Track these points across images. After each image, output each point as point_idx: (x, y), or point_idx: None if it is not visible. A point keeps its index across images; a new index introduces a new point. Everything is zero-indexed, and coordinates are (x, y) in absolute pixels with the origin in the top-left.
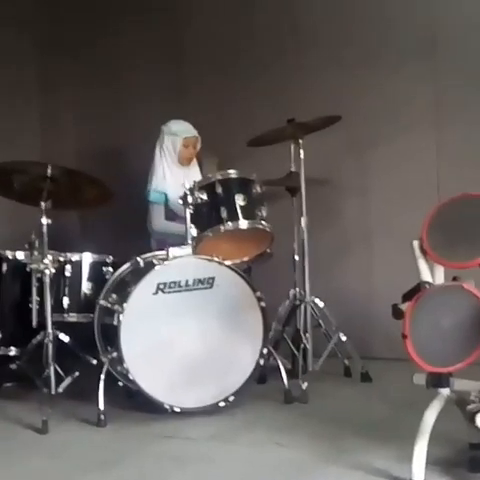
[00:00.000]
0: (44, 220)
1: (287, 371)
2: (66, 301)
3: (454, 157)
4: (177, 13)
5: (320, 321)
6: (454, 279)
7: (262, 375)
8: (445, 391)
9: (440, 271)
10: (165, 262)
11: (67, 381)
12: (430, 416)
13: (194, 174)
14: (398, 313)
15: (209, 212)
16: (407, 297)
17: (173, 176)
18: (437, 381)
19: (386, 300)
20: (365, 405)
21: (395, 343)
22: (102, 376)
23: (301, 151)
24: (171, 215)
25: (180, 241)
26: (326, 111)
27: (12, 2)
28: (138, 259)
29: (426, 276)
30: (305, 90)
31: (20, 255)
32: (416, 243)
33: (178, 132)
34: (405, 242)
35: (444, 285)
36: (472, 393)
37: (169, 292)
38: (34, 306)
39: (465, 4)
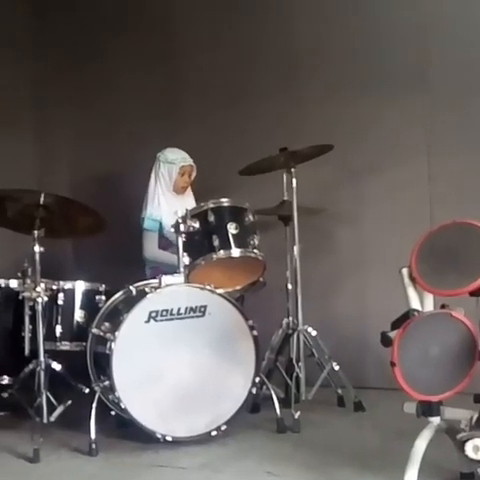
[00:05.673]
0: (37, 248)
1: (280, 400)
2: (59, 329)
3: (446, 187)
4: (174, 43)
5: (313, 350)
6: (443, 307)
7: (255, 404)
8: (435, 420)
9: (429, 299)
10: (157, 290)
11: (59, 410)
12: (420, 445)
13: (189, 202)
14: (387, 341)
15: (201, 240)
16: (396, 325)
17: (168, 204)
18: (427, 410)
19: (379, 329)
20: (357, 435)
21: (388, 372)
22: (94, 405)
23: (294, 180)
24: (165, 243)
25: (174, 270)
26: (319, 141)
27: (8, 37)
28: (131, 287)
29: (415, 304)
30: (298, 120)
31: (13, 283)
32: (405, 271)
33: (175, 160)
34: (398, 271)
35: (433, 313)
36: (462, 421)
37: (161, 320)
38: (27, 334)
39: (459, 39)
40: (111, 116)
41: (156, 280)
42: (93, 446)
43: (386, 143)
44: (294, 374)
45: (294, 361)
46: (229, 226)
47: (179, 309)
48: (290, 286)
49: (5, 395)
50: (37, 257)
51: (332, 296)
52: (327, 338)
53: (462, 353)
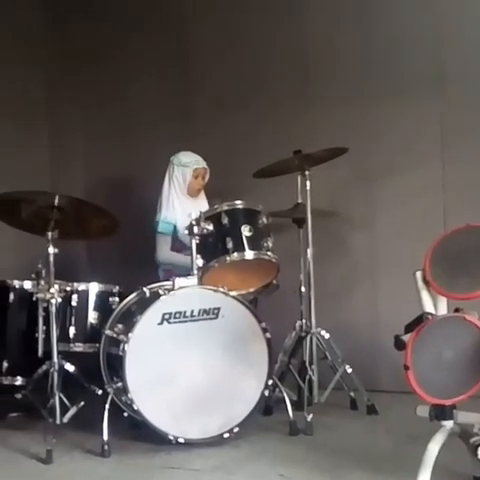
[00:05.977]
0: (51, 249)
1: (292, 403)
2: (72, 331)
3: (460, 191)
4: (186, 46)
5: (326, 353)
6: (456, 310)
7: (267, 406)
8: (449, 423)
9: (443, 302)
10: (171, 292)
11: (72, 411)
12: (433, 448)
13: (202, 205)
14: (400, 344)
15: (215, 242)
16: (409, 328)
17: (182, 207)
18: (440, 413)
19: (392, 332)
20: (370, 438)
21: (402, 375)
22: (107, 406)
23: (308, 183)
24: (179, 246)
25: (187, 272)
26: (333, 144)
27: (22, 39)
28: (144, 289)
29: (428, 307)
30: (313, 123)
31: (27, 284)
32: (419, 274)
33: (188, 163)
34: (411, 274)
35: (446, 316)
36: (476, 425)
37: (174, 322)
38: (40, 335)
39: (475, 42)
40: (125, 118)
41: (170, 282)
42: (106, 447)
43: (400, 147)
44: (307, 377)
45: (307, 364)
46: (243, 228)
47: (192, 311)
48: (303, 289)
49: (18, 396)
50: (51, 258)
51: (345, 299)
52: (340, 341)
53: (476, 357)
